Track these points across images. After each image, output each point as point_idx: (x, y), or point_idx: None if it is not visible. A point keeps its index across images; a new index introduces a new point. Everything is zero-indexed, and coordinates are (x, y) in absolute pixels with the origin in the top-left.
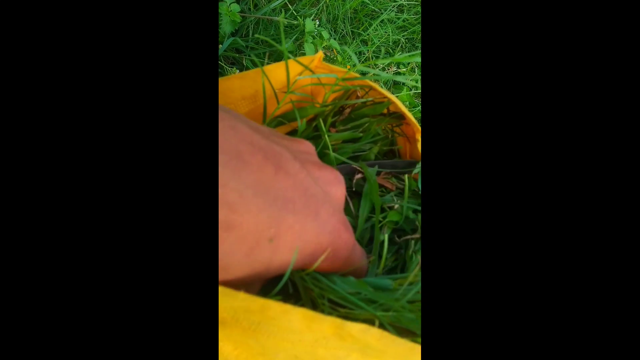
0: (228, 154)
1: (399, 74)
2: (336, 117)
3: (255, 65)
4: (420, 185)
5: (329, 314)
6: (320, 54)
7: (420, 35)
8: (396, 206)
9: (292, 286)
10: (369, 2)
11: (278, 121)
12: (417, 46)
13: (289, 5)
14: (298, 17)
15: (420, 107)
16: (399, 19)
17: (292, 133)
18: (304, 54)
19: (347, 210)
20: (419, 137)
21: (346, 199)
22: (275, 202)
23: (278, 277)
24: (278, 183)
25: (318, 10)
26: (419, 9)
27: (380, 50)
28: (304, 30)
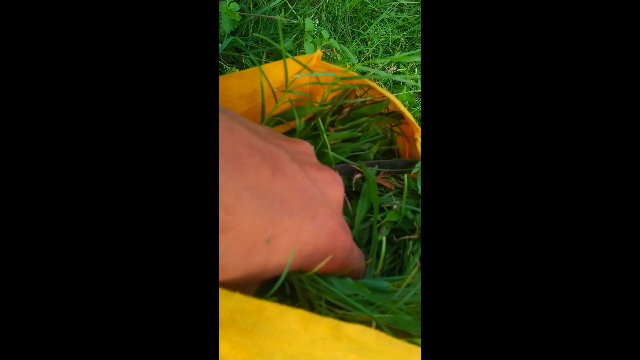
0: (225, 156)
1: (398, 73)
2: (335, 117)
3: (254, 64)
4: (419, 185)
5: (326, 315)
6: (319, 52)
7: (420, 35)
8: (395, 206)
9: (289, 287)
10: (368, 1)
11: (276, 120)
12: (417, 46)
13: (289, 4)
14: (298, 16)
15: (420, 107)
16: (398, 18)
17: (291, 132)
18: (303, 53)
19: (345, 210)
20: (418, 136)
21: (345, 200)
22: (272, 204)
23: (275, 279)
24: (275, 185)
25: (318, 9)
26: (419, 8)
27: (379, 50)
28: (303, 30)
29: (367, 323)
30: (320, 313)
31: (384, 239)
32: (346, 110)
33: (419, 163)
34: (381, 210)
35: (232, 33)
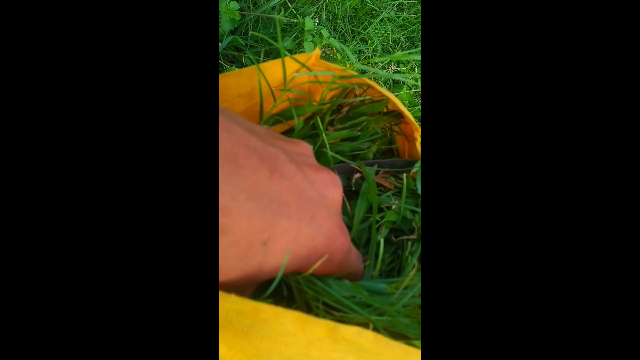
0: (222, 157)
1: (398, 72)
2: (334, 116)
3: (254, 63)
4: (418, 185)
5: (324, 317)
6: (317, 51)
7: (420, 34)
8: (394, 206)
9: (286, 289)
10: (368, 0)
11: (275, 119)
12: (417, 45)
13: (289, 3)
14: (297, 15)
15: (420, 106)
16: (398, 17)
17: (290, 131)
18: (303, 52)
19: (344, 210)
20: (417, 136)
21: (344, 201)
22: (269, 206)
23: (272, 280)
24: (273, 186)
25: (318, 8)
26: (419, 7)
27: (378, 49)
28: (303, 29)
29: (365, 325)
30: (317, 315)
31: (382, 240)
32: (345, 109)
33: (419, 162)
34: (380, 210)
35: (232, 32)
